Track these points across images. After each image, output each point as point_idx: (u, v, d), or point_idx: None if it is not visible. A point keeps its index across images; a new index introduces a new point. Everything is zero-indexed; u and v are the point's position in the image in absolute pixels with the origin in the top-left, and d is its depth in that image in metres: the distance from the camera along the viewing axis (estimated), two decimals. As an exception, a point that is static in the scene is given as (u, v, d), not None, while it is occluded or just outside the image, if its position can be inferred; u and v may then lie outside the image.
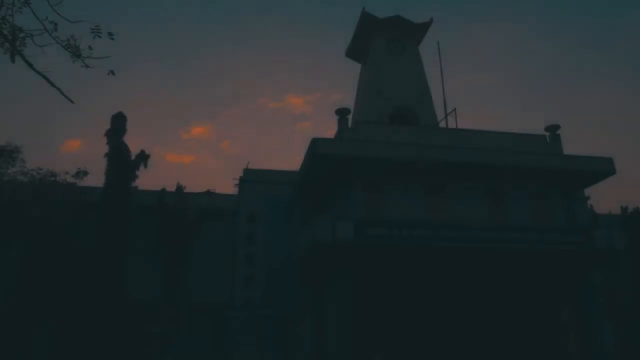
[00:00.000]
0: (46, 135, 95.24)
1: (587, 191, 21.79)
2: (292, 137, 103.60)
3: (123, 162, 22.74)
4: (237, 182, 28.11)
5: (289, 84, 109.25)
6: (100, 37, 5.89)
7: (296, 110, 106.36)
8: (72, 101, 6.17)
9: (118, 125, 23.28)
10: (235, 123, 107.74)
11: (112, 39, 5.97)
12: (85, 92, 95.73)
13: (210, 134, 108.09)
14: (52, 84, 5.89)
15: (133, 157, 23.25)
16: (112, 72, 6.12)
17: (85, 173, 23.02)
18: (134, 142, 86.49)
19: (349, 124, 20.79)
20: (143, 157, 23.54)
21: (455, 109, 24.81)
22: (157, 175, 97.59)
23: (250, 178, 27.41)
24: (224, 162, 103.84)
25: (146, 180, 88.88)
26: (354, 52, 33.41)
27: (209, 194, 27.73)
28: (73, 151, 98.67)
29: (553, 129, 22.12)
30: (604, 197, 75.89)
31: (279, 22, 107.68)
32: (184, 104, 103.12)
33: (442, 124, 26.56)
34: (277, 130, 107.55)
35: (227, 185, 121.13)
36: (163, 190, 26.41)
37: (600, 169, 20.49)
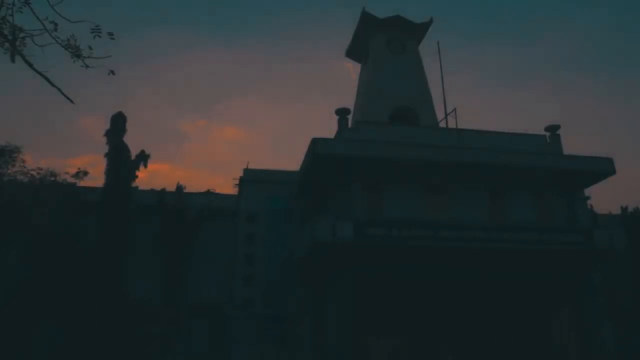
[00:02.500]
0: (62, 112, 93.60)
1: (587, 191, 21.80)
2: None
3: (123, 162, 22.77)
4: (237, 182, 28.10)
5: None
6: (100, 37, 5.89)
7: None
8: (72, 101, 6.16)
9: (118, 125, 23.31)
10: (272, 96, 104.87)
11: (112, 38, 5.97)
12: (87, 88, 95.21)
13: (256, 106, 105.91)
14: (52, 84, 5.89)
15: (133, 157, 23.29)
16: (112, 72, 6.11)
17: (85, 173, 22.99)
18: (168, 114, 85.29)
19: (349, 124, 20.80)
20: (143, 157, 23.59)
21: (455, 109, 24.71)
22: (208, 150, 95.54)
23: (250, 178, 27.36)
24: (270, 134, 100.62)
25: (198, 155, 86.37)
26: (354, 51, 33.42)
27: (209, 194, 27.73)
28: (89, 128, 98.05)
29: (553, 129, 22.14)
30: (604, 197, 75.77)
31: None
32: (229, 76, 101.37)
33: (442, 124, 26.53)
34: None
35: (227, 185, 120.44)
36: (163, 190, 26.41)
37: (600, 169, 20.51)
